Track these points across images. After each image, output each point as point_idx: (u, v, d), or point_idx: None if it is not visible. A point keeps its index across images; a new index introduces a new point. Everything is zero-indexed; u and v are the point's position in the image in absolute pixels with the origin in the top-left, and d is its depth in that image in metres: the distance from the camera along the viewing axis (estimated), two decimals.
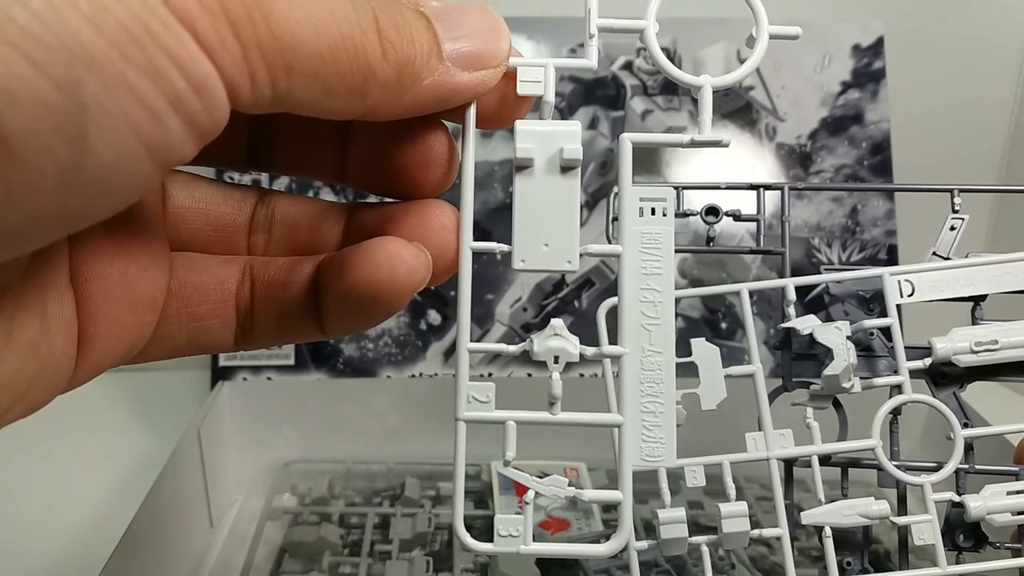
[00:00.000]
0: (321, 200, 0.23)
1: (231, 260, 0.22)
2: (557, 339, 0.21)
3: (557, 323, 0.21)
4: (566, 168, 0.20)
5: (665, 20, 0.22)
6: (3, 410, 0.18)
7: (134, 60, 0.14)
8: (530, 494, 0.21)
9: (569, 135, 0.20)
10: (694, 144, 0.21)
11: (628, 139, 0.21)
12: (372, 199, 0.23)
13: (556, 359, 0.21)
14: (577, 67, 0.21)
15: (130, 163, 0.15)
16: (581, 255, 0.21)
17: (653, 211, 0.21)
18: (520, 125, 0.21)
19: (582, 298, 0.53)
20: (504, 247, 0.21)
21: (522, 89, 0.20)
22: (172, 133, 0.15)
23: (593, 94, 0.55)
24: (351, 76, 0.17)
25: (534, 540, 0.21)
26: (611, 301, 0.25)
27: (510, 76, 0.20)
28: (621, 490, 0.21)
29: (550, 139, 0.20)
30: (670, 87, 0.56)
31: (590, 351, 0.21)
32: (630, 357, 0.21)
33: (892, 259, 0.54)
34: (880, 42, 0.57)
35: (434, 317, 0.53)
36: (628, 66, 0.56)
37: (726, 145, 0.21)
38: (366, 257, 0.20)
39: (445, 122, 0.21)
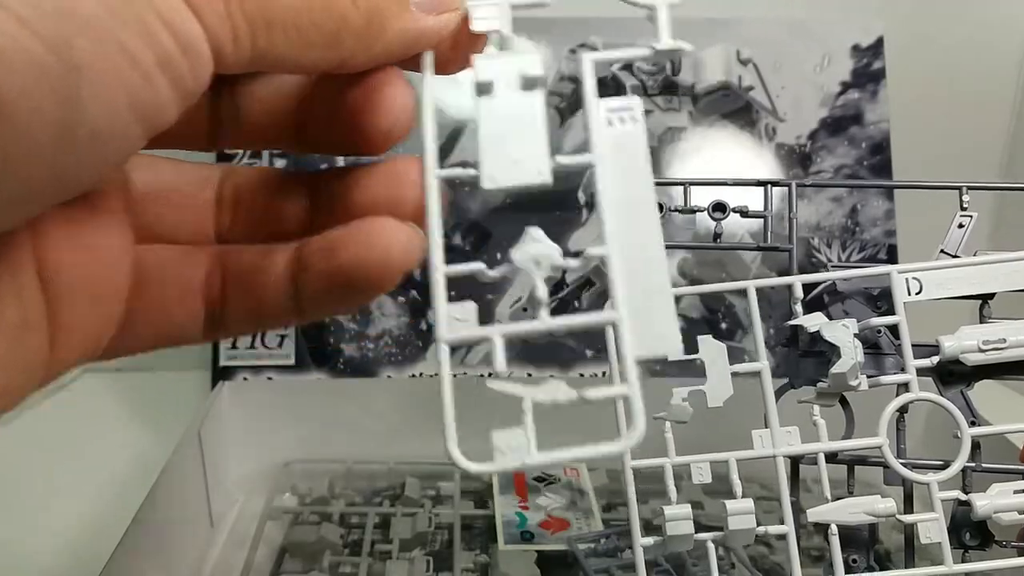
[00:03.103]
0: (281, 170, 0.23)
1: (198, 250, 0.22)
2: (536, 244, 0.20)
3: (534, 231, 0.20)
4: (528, 86, 0.20)
5: None
6: None
7: (124, 20, 0.14)
8: (528, 402, 0.19)
9: (528, 55, 0.20)
10: (656, 54, 0.21)
11: (588, 57, 0.21)
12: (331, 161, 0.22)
13: (538, 264, 0.20)
14: (532, 3, 0.21)
15: (120, 126, 0.15)
16: (553, 169, 0.20)
17: (622, 120, 0.21)
18: (478, 57, 0.20)
19: (582, 298, 0.53)
20: (470, 171, 0.20)
21: (476, 26, 0.20)
22: (160, 95, 0.15)
23: None
24: (325, 26, 0.18)
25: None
26: None
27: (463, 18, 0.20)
28: (628, 384, 0.19)
29: (510, 64, 0.20)
30: (670, 87, 0.56)
31: (574, 262, 0.20)
32: (615, 256, 0.20)
33: (892, 259, 0.54)
34: (880, 42, 0.57)
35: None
36: (628, 67, 0.56)
37: (687, 52, 0.21)
38: (359, 237, 0.19)
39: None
